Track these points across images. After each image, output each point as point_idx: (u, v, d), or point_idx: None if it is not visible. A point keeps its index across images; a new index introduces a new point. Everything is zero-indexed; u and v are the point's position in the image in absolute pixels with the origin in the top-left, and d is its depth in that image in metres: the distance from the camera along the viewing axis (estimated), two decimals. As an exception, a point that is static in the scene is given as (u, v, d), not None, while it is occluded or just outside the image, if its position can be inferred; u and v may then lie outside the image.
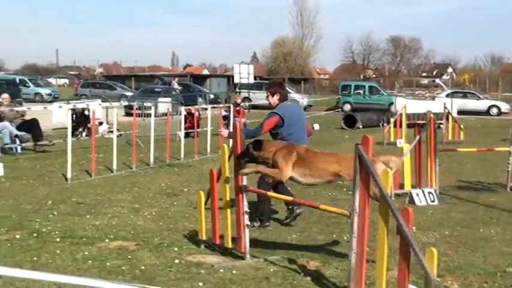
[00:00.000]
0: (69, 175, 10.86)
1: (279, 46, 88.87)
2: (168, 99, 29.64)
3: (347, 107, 40.78)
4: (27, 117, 15.70)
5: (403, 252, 4.29)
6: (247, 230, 6.05)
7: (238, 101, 21.64)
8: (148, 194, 9.92)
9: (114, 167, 12.10)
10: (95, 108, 15.46)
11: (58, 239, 6.84)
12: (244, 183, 5.98)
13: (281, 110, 7.55)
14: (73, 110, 18.57)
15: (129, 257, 6.26)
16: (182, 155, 14.41)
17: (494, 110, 40.10)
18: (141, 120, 17.94)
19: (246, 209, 6.00)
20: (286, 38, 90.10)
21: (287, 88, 32.50)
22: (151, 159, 13.32)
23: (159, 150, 14.38)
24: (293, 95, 39.48)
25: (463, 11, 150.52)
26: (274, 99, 7.89)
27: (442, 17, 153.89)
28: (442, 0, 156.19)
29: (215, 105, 22.74)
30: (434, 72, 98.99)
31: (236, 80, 40.16)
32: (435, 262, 3.96)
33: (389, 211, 4.38)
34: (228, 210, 6.26)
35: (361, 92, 42.42)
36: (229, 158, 6.20)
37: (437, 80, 60.97)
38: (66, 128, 21.73)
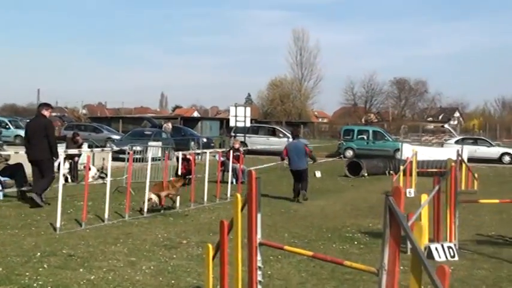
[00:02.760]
0: (58, 224, 10.75)
1: (276, 87, 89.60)
2: (159, 143, 29.67)
3: (349, 153, 40.89)
4: (10, 162, 15.63)
5: (437, 314, 4.22)
6: (259, 287, 5.97)
7: (237, 145, 21.66)
8: (144, 246, 9.82)
9: (106, 216, 12.01)
10: (87, 153, 15.37)
11: (51, 295, 6.73)
12: (259, 236, 5.92)
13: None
14: (67, 155, 18.59)
15: (130, 315, 6.16)
16: (177, 204, 14.33)
17: (506, 158, 40.27)
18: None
19: (259, 264, 5.92)
20: (284, 79, 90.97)
21: (287, 131, 32.84)
22: (145, 208, 13.23)
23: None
24: (291, 139, 39.49)
25: (472, 53, 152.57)
26: None
27: (449, 59, 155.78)
28: (449, 41, 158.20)
29: (211, 150, 22.72)
30: (441, 117, 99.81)
31: (232, 123, 40.29)
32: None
33: (423, 269, 4.32)
34: (239, 265, 6.17)
35: (365, 137, 42.57)
36: (242, 209, 6.14)
37: (446, 125, 61.37)
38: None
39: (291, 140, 17.57)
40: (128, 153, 17.78)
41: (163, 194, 13.85)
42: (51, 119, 14.87)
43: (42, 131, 13.79)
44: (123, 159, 17.02)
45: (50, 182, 14.01)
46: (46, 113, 14.22)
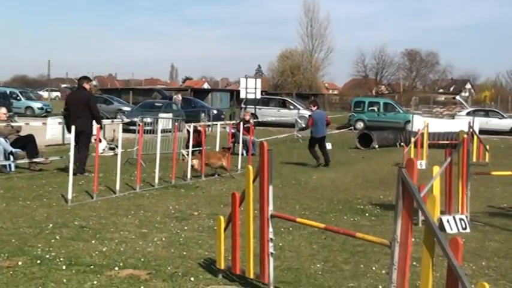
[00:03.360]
0: (69, 196, 10.77)
1: (287, 59, 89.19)
2: (170, 115, 29.64)
3: (360, 125, 40.81)
4: (22, 133, 15.68)
5: (450, 287, 4.20)
6: (271, 259, 5.97)
7: (247, 117, 21.62)
8: (155, 218, 9.83)
9: (117, 187, 12.03)
10: (97, 124, 15.34)
11: (64, 267, 6.75)
12: (271, 208, 5.91)
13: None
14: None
15: (142, 287, 6.18)
16: (188, 176, 14.34)
17: (518, 130, 40.08)
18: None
19: (271, 236, 5.92)
20: (294, 51, 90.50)
21: (297, 103, 32.92)
22: (156, 180, 13.26)
23: (162, 170, 14.33)
24: (302, 111, 39.46)
25: (484, 25, 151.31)
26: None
27: (461, 31, 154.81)
28: (461, 13, 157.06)
29: (222, 122, 22.68)
30: (452, 89, 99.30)
31: (242, 95, 40.16)
32: (487, 298, 3.87)
33: (436, 241, 4.30)
34: (251, 237, 6.17)
35: (376, 109, 42.41)
36: (253, 181, 6.12)
37: (457, 97, 61.10)
38: (61, 145, 21.96)
39: (315, 109, 19.06)
40: (139, 124, 17.79)
41: (217, 164, 15.31)
42: (77, 91, 15.57)
43: (86, 102, 14.56)
44: (133, 131, 17.02)
45: (87, 154, 14.65)
46: (87, 85, 15.04)
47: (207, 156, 15.05)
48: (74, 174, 11.98)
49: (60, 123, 18.88)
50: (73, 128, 11.55)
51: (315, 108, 19.14)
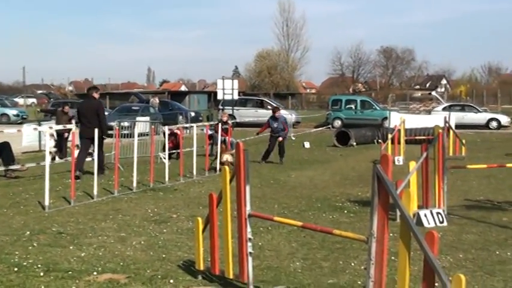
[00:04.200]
0: (46, 202, 10.69)
1: (263, 59, 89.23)
2: (147, 118, 29.55)
3: (337, 123, 40.92)
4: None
5: (427, 279, 4.23)
6: (250, 259, 5.97)
7: (225, 118, 21.57)
8: (134, 222, 9.79)
9: (95, 192, 11.96)
10: (73, 130, 15.28)
11: (41, 273, 6.69)
12: (248, 208, 5.90)
13: None
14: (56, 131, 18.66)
15: (121, 291, 6.15)
16: (167, 178, 14.29)
17: (493, 124, 40.43)
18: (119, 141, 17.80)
19: (249, 236, 5.92)
20: (270, 51, 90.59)
21: (275, 103, 33.01)
22: (134, 184, 13.20)
23: (140, 174, 14.28)
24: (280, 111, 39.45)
25: (458, 21, 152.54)
26: None
27: (436, 27, 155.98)
28: (435, 9, 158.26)
29: (199, 124, 22.63)
30: (428, 85, 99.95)
31: (219, 96, 40.16)
32: (463, 290, 3.90)
33: (412, 235, 4.33)
34: (229, 238, 6.16)
35: (353, 107, 42.59)
36: (230, 181, 6.12)
37: (433, 93, 61.42)
38: (37, 152, 21.77)
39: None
40: (115, 129, 17.71)
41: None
42: (87, 100, 16.49)
43: (95, 111, 15.31)
44: (111, 135, 16.93)
45: (103, 155, 15.61)
46: (96, 95, 16.06)
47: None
48: (98, 175, 12.52)
49: (35, 129, 18.68)
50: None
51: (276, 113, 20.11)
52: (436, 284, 4.14)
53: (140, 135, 18.13)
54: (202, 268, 6.57)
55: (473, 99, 64.66)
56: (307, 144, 25.69)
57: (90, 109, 15.44)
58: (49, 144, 11.66)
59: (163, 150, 16.78)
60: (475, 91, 74.49)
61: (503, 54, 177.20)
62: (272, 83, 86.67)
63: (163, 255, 7.61)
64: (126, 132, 21.05)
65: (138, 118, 28.16)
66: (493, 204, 11.60)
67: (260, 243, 8.16)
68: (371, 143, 27.07)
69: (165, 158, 15.83)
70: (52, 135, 17.99)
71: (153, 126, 16.68)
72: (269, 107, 42.02)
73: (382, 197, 4.64)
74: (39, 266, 7.01)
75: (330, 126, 40.24)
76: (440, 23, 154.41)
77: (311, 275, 6.76)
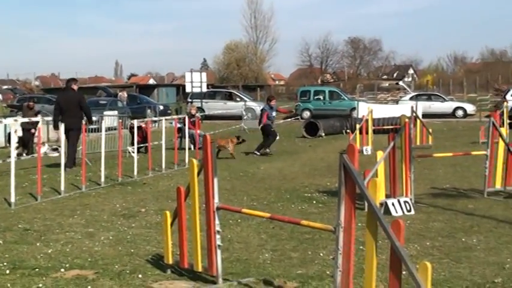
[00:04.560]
0: (12, 199, 10.55)
1: (232, 51, 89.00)
2: (115, 113, 29.33)
3: (306, 114, 40.98)
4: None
5: (394, 268, 4.26)
6: (219, 252, 5.95)
7: (193, 111, 21.52)
8: (102, 217, 9.71)
9: (62, 188, 11.83)
10: (40, 125, 15.16)
11: (7, 271, 6.60)
12: (216, 201, 5.88)
13: None
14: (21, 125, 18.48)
15: (89, 287, 6.09)
16: (135, 173, 14.20)
17: (459, 112, 40.85)
18: (86, 136, 17.63)
19: (217, 228, 5.90)
20: (239, 43, 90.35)
21: (244, 95, 33.04)
22: (102, 178, 13.09)
23: (108, 168, 14.18)
24: (249, 103, 39.56)
25: (424, 11, 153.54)
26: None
27: (402, 17, 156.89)
28: (402, 0, 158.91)
29: (168, 117, 22.51)
30: (395, 75, 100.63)
31: (188, 89, 39.99)
32: (429, 277, 3.92)
33: (378, 224, 4.35)
34: (198, 231, 6.14)
35: (321, 97, 42.70)
36: (198, 174, 6.09)
37: (400, 83, 61.98)
38: (3, 148, 21.48)
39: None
40: (83, 124, 17.52)
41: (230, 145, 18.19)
42: (66, 92, 16.63)
43: (76, 102, 15.68)
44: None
45: (75, 149, 15.68)
46: (75, 87, 16.35)
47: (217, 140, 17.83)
48: (64, 168, 12.43)
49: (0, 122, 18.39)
50: (62, 125, 12.66)
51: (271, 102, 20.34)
52: (404, 272, 4.16)
53: (108, 129, 17.98)
54: (171, 262, 6.54)
55: (440, 88, 65.20)
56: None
57: (72, 101, 15.71)
58: (14, 140, 11.49)
59: (132, 144, 16.68)
60: (442, 80, 75.10)
61: (468, 44, 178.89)
62: (241, 75, 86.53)
63: (132, 250, 7.56)
64: (93, 126, 20.85)
65: (105, 112, 27.93)
66: (459, 191, 11.72)
67: (229, 236, 8.16)
68: (340, 134, 27.20)
69: (133, 152, 15.73)
70: (16, 130, 17.75)
71: (120, 120, 16.52)
72: (238, 99, 42.04)
73: (349, 187, 4.65)
74: (5, 263, 6.92)
75: (298, 117, 40.30)
76: (407, 13, 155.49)
77: (280, 266, 6.78)
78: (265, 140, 19.45)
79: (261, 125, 19.92)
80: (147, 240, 8.09)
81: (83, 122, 15.54)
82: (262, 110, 20.27)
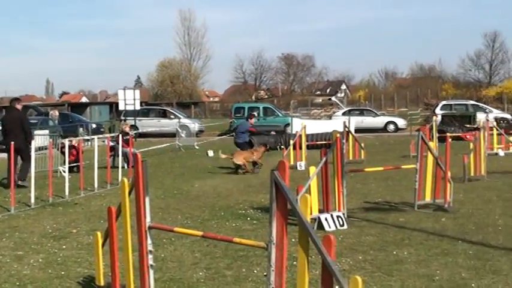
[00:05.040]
0: None
1: (165, 69, 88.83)
2: (46, 132, 28.76)
3: (241, 131, 41.02)
4: None
5: (325, 283, 4.28)
6: (151, 272, 5.88)
7: (127, 129, 21.30)
8: (32, 239, 9.48)
9: (-10, 210, 11.51)
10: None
11: None
12: (148, 220, 5.81)
13: None
14: None
15: (18, 311, 5.93)
16: (67, 193, 13.92)
17: (391, 127, 41.65)
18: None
19: (150, 248, 5.83)
20: (173, 60, 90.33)
21: (178, 112, 32.77)
22: (32, 200, 12.79)
23: (39, 189, 13.87)
24: (183, 120, 39.41)
25: (355, 28, 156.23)
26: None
27: (334, 34, 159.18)
28: (333, 17, 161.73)
29: (100, 136, 22.20)
30: (328, 90, 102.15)
31: (121, 107, 39.58)
32: (360, 291, 3.97)
33: (310, 240, 4.37)
34: (130, 251, 6.05)
35: (256, 114, 42.85)
36: (129, 193, 6.01)
37: (333, 98, 62.83)
38: None
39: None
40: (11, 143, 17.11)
41: (250, 159, 18.67)
42: (10, 111, 16.35)
43: (19, 122, 15.62)
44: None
45: (29, 164, 14.69)
46: (18, 106, 16.26)
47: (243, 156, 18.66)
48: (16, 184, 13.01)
49: None
50: (12, 144, 13.42)
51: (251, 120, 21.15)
52: (337, 287, 4.19)
53: (39, 149, 17.62)
54: (102, 284, 6.42)
55: (372, 103, 66.59)
56: (210, 153, 25.66)
57: (15, 121, 15.68)
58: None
59: (64, 163, 16.36)
60: (373, 95, 76.79)
61: (399, 59, 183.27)
62: (175, 92, 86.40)
63: (62, 273, 7.40)
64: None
65: (36, 132, 27.32)
66: (391, 205, 11.93)
67: (163, 255, 8.08)
68: (274, 149, 27.31)
69: (64, 172, 15.43)
70: None
71: (51, 140, 16.22)
72: (172, 116, 41.82)
73: (280, 203, 4.67)
74: None
75: (233, 134, 40.32)
76: (339, 30, 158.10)
77: (214, 284, 6.75)
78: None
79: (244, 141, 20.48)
80: (78, 262, 7.94)
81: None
82: (244, 126, 20.80)
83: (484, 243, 8.42)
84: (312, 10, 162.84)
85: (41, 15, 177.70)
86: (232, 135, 39.12)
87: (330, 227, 9.54)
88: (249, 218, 10.86)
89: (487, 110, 37.69)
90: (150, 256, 5.89)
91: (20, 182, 15.03)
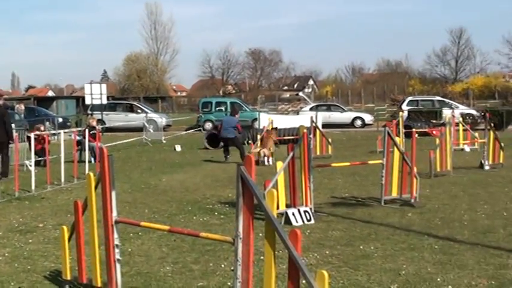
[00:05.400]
0: None
1: (132, 63, 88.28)
2: (12, 126, 28.37)
3: (208, 126, 40.98)
4: None
5: (292, 277, 4.33)
6: (118, 266, 5.87)
7: (94, 123, 21.14)
8: (-3, 233, 9.39)
9: (-46, 204, 11.36)
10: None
11: None
12: (114, 214, 5.80)
13: None
14: None
15: (-17, 306, 5.88)
16: (33, 187, 13.78)
17: (358, 122, 41.93)
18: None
19: (116, 242, 5.82)
20: (139, 54, 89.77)
21: (145, 107, 32.68)
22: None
23: (5, 183, 13.72)
24: (151, 114, 39.23)
25: (322, 23, 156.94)
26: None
27: (301, 29, 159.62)
28: (300, 12, 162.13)
29: (67, 130, 22.00)
30: (296, 85, 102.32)
31: (87, 101, 39.24)
32: (327, 285, 4.01)
33: (276, 234, 4.41)
34: (96, 245, 6.03)
35: (223, 109, 42.82)
36: (95, 187, 5.99)
37: (300, 94, 62.94)
38: None
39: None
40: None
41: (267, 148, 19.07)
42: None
43: (1, 117, 16.05)
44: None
45: (7, 160, 15.99)
46: (0, 102, 17.36)
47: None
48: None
49: None
50: None
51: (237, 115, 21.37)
52: (304, 282, 4.23)
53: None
54: (69, 278, 6.38)
55: (339, 98, 66.93)
56: (178, 148, 25.59)
57: None
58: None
59: (30, 157, 16.19)
60: (341, 91, 77.19)
61: (366, 55, 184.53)
62: (142, 87, 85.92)
63: (29, 267, 7.35)
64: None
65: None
66: (358, 200, 12.04)
67: (130, 249, 8.06)
68: (242, 145, 27.31)
69: (31, 166, 15.26)
70: None
71: (16, 134, 16.04)
72: (139, 111, 41.60)
73: (246, 198, 4.69)
74: None
75: (201, 128, 40.26)
76: (306, 25, 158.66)
77: (181, 278, 6.75)
78: (242, 149, 20.28)
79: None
80: (44, 256, 7.88)
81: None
82: (232, 121, 20.78)
83: (450, 238, 8.55)
84: (279, 5, 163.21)
85: (4, 7, 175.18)
86: (199, 130, 39.24)
87: (297, 222, 9.60)
88: (216, 213, 10.87)
89: (453, 106, 38.11)
90: (116, 250, 5.88)
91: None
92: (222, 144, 21.48)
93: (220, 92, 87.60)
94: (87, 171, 16.11)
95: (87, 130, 18.36)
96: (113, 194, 5.82)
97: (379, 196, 11.43)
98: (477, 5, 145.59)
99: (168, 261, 7.54)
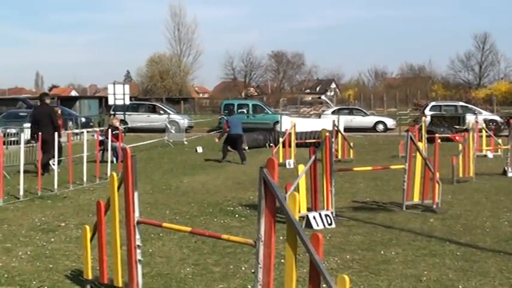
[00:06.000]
0: None
1: (155, 64, 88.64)
2: (59, 123, 28.59)
3: (230, 128, 41.01)
4: None
5: (313, 281, 4.32)
6: (139, 266, 5.89)
7: (116, 124, 21.25)
8: (20, 231, 9.47)
9: (-22, 202, 11.48)
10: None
11: None
12: (137, 215, 5.83)
13: None
14: None
15: (5, 304, 5.93)
16: (56, 186, 13.89)
17: (380, 126, 41.72)
18: (4, 149, 17.14)
19: (138, 243, 5.85)
20: (163, 56, 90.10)
21: (168, 108, 32.85)
22: (21, 192, 12.75)
23: (28, 182, 13.83)
24: (173, 116, 39.36)
25: (345, 27, 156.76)
26: None
27: (324, 32, 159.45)
28: (323, 15, 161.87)
29: (90, 130, 22.14)
30: (318, 89, 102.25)
31: (110, 102, 39.47)
32: (348, 290, 4.00)
33: (298, 238, 4.40)
34: (118, 245, 6.06)
35: (245, 111, 42.87)
36: (118, 188, 6.02)
37: (322, 97, 62.96)
38: None
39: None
40: (4, 135, 17.10)
41: None
42: (41, 106, 17.59)
43: (48, 116, 16.73)
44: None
45: (50, 156, 16.22)
46: (47, 101, 17.62)
47: None
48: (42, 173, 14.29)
49: None
50: (40, 135, 14.64)
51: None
52: (324, 286, 4.22)
53: (28, 142, 17.53)
54: (90, 277, 6.43)
55: (361, 102, 66.74)
56: (199, 149, 25.65)
57: (44, 114, 16.78)
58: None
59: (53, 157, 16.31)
60: (363, 95, 76.90)
61: (389, 59, 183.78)
62: (164, 88, 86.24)
63: (51, 266, 7.40)
64: (13, 139, 20.31)
65: (25, 124, 27.19)
66: (379, 205, 11.98)
67: (151, 250, 8.09)
68: (263, 147, 27.33)
69: (54, 165, 15.39)
70: None
71: (40, 133, 16.14)
72: (161, 112, 41.77)
73: (268, 201, 4.69)
74: None
75: (221, 130, 40.30)
76: (329, 28, 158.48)
77: (202, 280, 6.76)
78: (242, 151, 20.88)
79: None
80: (66, 255, 7.94)
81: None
82: (239, 118, 21.97)
83: (472, 245, 8.49)
84: (303, 8, 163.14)
85: (31, 7, 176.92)
86: (220, 131, 39.26)
87: (318, 226, 9.58)
88: (237, 215, 10.88)
89: (476, 112, 37.78)
90: (138, 251, 5.91)
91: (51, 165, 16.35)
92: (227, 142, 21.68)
93: (243, 94, 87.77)
94: (109, 172, 16.27)
95: (109, 130, 18.46)
96: (136, 194, 5.85)
97: (401, 201, 11.37)
98: (502, 11, 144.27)
99: (188, 262, 7.56)
